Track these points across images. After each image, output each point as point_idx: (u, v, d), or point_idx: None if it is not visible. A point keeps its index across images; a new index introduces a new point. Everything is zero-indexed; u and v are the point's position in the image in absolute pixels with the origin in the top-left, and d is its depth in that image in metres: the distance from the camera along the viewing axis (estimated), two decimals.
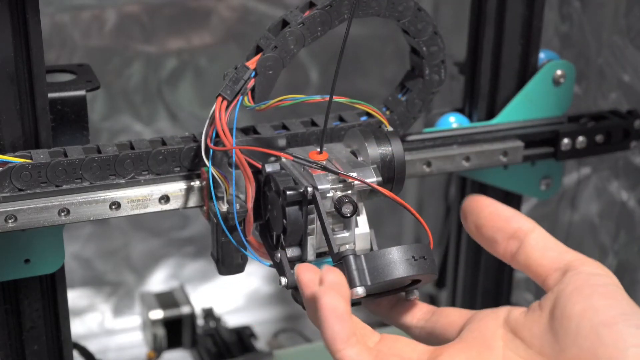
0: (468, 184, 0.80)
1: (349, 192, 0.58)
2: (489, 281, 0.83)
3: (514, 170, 0.77)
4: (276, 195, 0.59)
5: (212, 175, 0.61)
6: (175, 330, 1.01)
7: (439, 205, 1.11)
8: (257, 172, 0.61)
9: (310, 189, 0.57)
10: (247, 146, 0.63)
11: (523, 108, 0.75)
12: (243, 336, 1.03)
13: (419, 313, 0.60)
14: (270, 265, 0.61)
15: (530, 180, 0.78)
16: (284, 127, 0.67)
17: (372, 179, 0.58)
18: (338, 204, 0.57)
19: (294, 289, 0.59)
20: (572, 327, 0.50)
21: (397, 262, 0.54)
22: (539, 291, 1.00)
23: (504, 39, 0.74)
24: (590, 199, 0.92)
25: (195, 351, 1.02)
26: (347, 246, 0.57)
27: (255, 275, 1.17)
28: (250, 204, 0.61)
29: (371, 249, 0.59)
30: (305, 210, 0.58)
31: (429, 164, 0.71)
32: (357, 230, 0.59)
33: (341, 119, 0.69)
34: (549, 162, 0.77)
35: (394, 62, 1.11)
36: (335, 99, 0.58)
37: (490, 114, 0.76)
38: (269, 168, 0.60)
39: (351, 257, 0.54)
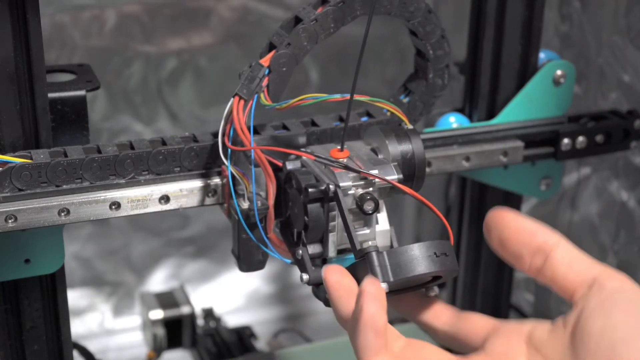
0: (468, 184, 0.80)
1: (370, 189, 0.58)
2: (489, 281, 0.83)
3: (514, 170, 0.77)
4: (297, 193, 0.59)
5: (232, 173, 0.62)
6: (175, 330, 1.01)
7: (439, 205, 1.11)
8: (277, 169, 0.62)
9: (332, 187, 0.57)
10: (267, 146, 0.63)
11: (523, 108, 0.75)
12: (243, 336, 1.03)
13: (444, 316, 0.59)
14: (291, 263, 0.62)
15: (530, 180, 0.78)
16: (284, 127, 0.67)
17: (393, 177, 0.58)
18: (360, 201, 0.57)
19: (315, 285, 0.59)
20: (592, 344, 0.50)
21: (419, 258, 0.54)
22: (538, 291, 1.00)
23: (504, 39, 0.74)
24: (590, 199, 0.92)
25: (195, 351, 1.02)
26: (370, 243, 0.58)
27: (255, 275, 1.17)
28: (271, 202, 0.61)
29: (391, 246, 0.59)
30: (327, 207, 0.58)
31: (429, 164, 0.71)
32: (377, 227, 0.59)
33: (341, 119, 0.69)
34: (549, 162, 0.77)
35: (394, 62, 1.11)
36: (356, 97, 0.59)
37: (490, 114, 0.76)
38: (289, 165, 0.61)
39: (374, 254, 0.54)
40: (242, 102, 0.61)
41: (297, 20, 0.62)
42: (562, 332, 0.52)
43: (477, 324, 0.57)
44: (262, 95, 0.61)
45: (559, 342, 0.52)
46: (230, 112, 0.61)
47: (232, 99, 0.61)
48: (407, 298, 0.60)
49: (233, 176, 0.62)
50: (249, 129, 0.60)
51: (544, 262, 0.55)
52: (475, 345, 0.57)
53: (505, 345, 0.54)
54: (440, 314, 0.60)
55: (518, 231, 0.56)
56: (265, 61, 0.61)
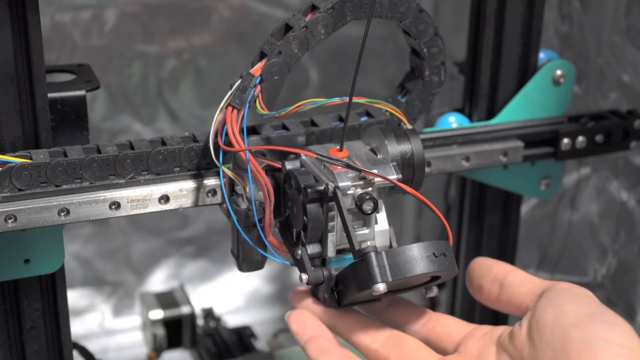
0: (468, 184, 0.80)
1: (369, 189, 0.58)
2: None
3: (514, 170, 0.77)
4: (297, 193, 0.59)
5: (229, 175, 0.62)
6: (175, 330, 1.01)
7: (439, 205, 1.11)
8: (276, 170, 0.62)
9: (331, 187, 0.57)
10: (264, 146, 0.63)
11: (523, 108, 0.75)
12: (243, 336, 1.03)
13: (416, 318, 0.62)
14: (291, 264, 0.62)
15: (530, 180, 0.78)
16: (284, 127, 0.67)
17: (392, 176, 0.58)
18: (359, 200, 0.57)
19: (315, 285, 0.59)
20: (546, 333, 0.53)
21: (418, 258, 0.55)
22: None
23: (504, 39, 0.74)
24: (590, 199, 0.92)
25: (195, 351, 1.02)
26: (369, 243, 0.58)
27: (255, 275, 1.17)
28: (267, 209, 0.61)
29: (390, 246, 0.59)
30: (326, 207, 0.58)
31: (429, 164, 0.71)
32: (377, 227, 0.59)
33: (341, 119, 0.69)
34: (549, 162, 0.77)
35: (394, 62, 1.11)
36: (355, 99, 0.59)
37: (490, 114, 0.76)
38: (289, 165, 0.61)
39: (372, 254, 0.54)
40: (235, 112, 0.61)
41: (288, 27, 0.62)
42: (519, 331, 0.56)
43: (451, 327, 0.61)
44: (258, 105, 0.61)
45: (517, 338, 0.56)
46: (222, 118, 0.61)
47: (223, 101, 0.61)
48: (381, 302, 0.62)
49: (230, 177, 0.62)
50: (242, 131, 0.60)
51: (500, 288, 0.60)
52: (448, 348, 0.60)
53: (478, 347, 0.58)
54: (413, 317, 0.62)
55: (478, 267, 0.62)
56: (256, 71, 0.61)
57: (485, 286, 0.61)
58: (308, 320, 0.59)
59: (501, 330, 0.58)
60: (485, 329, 0.60)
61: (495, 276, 0.61)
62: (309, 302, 0.61)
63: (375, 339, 0.59)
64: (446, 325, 0.61)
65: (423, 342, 0.61)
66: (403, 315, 0.62)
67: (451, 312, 0.84)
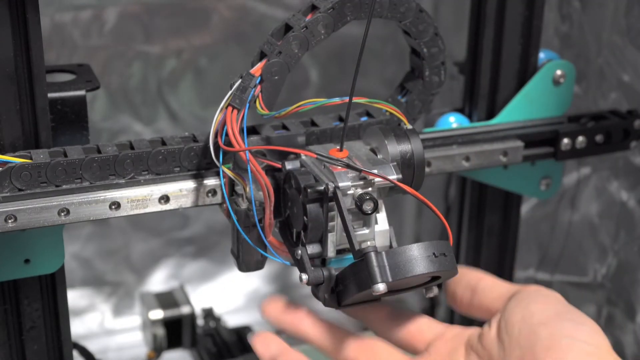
0: (468, 184, 0.80)
1: (369, 189, 0.58)
2: None
3: (514, 170, 0.77)
4: (297, 193, 0.59)
5: (229, 175, 0.62)
6: (175, 330, 1.01)
7: (439, 205, 1.11)
8: (276, 170, 0.62)
9: (331, 187, 0.57)
10: (264, 146, 0.63)
11: (523, 108, 0.75)
12: (243, 336, 1.03)
13: (386, 315, 0.63)
14: (291, 264, 0.62)
15: (530, 180, 0.78)
16: (284, 127, 0.67)
17: (392, 176, 0.59)
18: (359, 201, 0.57)
19: (315, 285, 0.59)
20: (514, 332, 0.55)
21: (418, 258, 0.55)
22: None
23: (504, 39, 0.74)
24: (590, 199, 0.92)
25: (195, 351, 1.02)
26: (369, 243, 0.58)
27: (255, 275, 1.17)
28: (267, 209, 0.61)
29: (390, 246, 0.60)
30: (326, 207, 0.58)
31: (428, 164, 0.71)
32: (377, 227, 0.59)
33: (341, 119, 0.69)
34: (549, 162, 0.77)
35: (394, 62, 1.11)
36: (355, 99, 0.59)
37: (490, 114, 0.76)
38: (289, 165, 0.61)
39: (372, 254, 0.54)
40: (235, 112, 0.61)
41: (288, 27, 0.62)
42: (488, 332, 0.57)
43: (423, 326, 0.63)
44: (258, 105, 0.61)
45: (486, 338, 0.57)
46: (222, 118, 0.61)
47: (223, 101, 0.61)
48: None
49: (230, 177, 0.62)
50: (242, 131, 0.60)
51: (472, 294, 0.62)
52: (419, 346, 0.62)
53: (447, 347, 0.60)
54: (386, 315, 0.64)
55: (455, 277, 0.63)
56: (256, 71, 0.61)
57: (458, 293, 0.63)
58: (272, 342, 0.63)
59: (471, 331, 0.59)
60: (456, 329, 0.61)
61: (467, 283, 0.62)
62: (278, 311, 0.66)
63: (344, 345, 0.61)
64: (418, 324, 0.62)
65: (395, 340, 0.62)
66: (376, 313, 0.63)
67: (450, 312, 0.84)
